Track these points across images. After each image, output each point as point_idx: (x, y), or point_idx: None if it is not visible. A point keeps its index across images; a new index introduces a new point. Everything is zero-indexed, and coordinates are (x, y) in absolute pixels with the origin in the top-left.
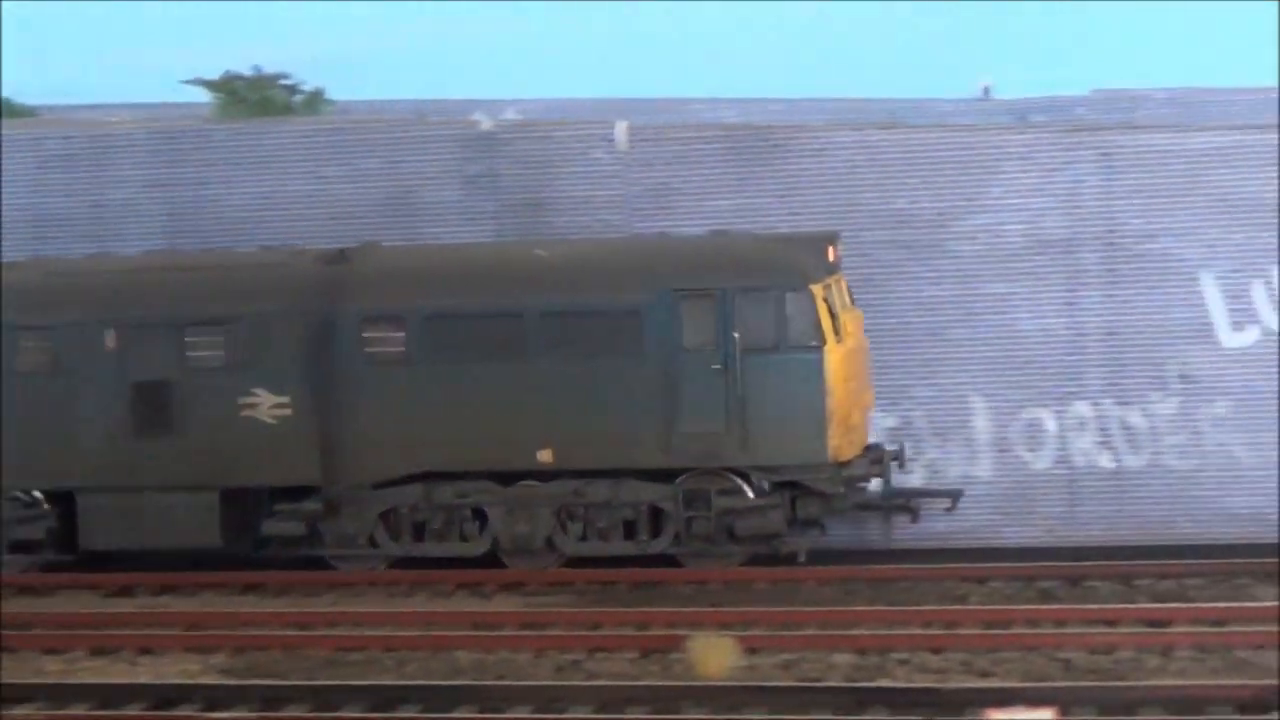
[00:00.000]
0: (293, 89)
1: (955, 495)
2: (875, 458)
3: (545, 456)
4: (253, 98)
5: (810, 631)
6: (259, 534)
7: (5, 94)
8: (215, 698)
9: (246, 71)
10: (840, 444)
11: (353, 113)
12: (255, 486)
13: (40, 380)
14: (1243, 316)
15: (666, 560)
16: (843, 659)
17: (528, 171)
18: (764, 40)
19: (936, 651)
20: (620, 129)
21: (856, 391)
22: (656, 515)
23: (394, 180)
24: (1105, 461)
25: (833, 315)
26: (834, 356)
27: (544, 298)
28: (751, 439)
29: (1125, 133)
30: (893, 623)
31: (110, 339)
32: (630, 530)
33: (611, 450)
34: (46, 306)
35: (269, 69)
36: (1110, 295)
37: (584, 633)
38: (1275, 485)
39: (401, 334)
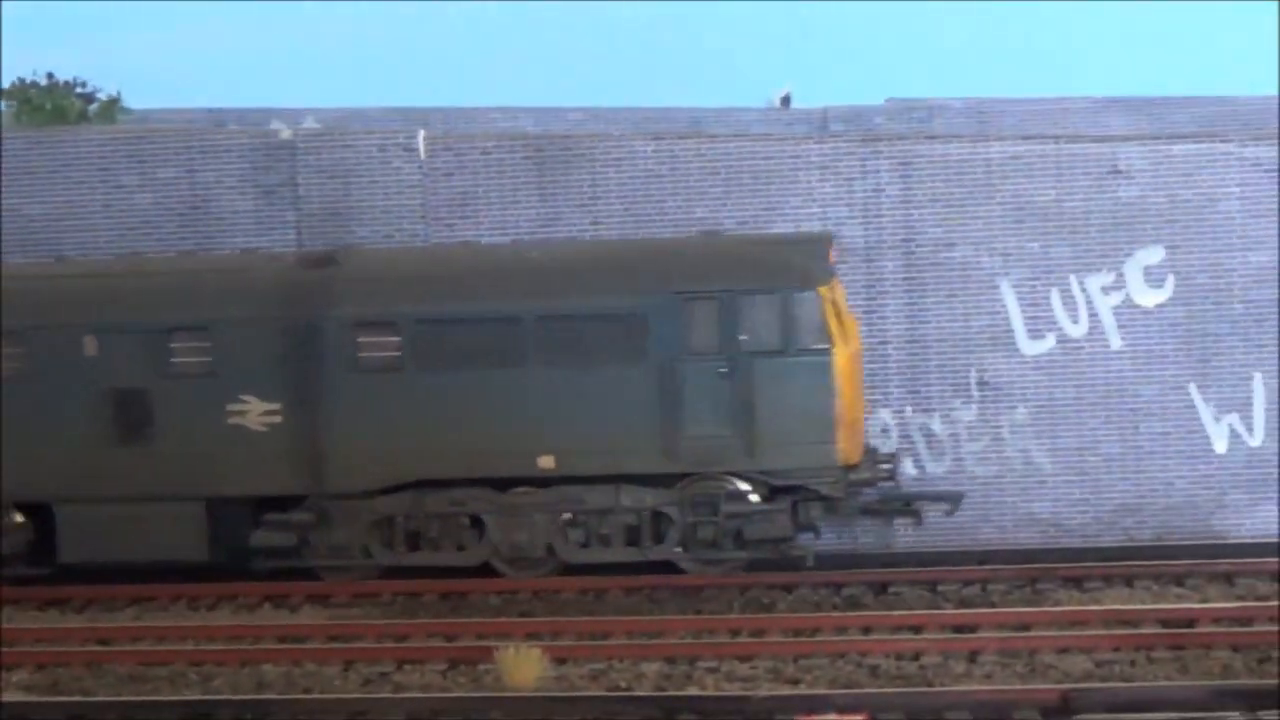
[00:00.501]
0: (88, 96)
1: (956, 499)
2: (878, 461)
3: (547, 463)
4: (47, 105)
5: (619, 641)
6: (246, 545)
7: None
8: (19, 715)
9: (40, 78)
10: (847, 447)
11: (150, 121)
12: (242, 496)
13: (15, 387)
14: (1041, 324)
15: (473, 571)
16: (652, 668)
17: (328, 181)
18: (562, 47)
19: (745, 659)
20: (421, 138)
21: (860, 394)
22: (657, 521)
23: (191, 189)
24: (908, 468)
25: (837, 317)
26: (841, 358)
27: (544, 302)
28: (758, 443)
29: (923, 142)
30: (701, 631)
31: (89, 345)
32: (630, 536)
33: (615, 456)
34: (21, 311)
35: (63, 75)
36: (910, 303)
37: (392, 645)
38: (1074, 491)
39: (396, 339)
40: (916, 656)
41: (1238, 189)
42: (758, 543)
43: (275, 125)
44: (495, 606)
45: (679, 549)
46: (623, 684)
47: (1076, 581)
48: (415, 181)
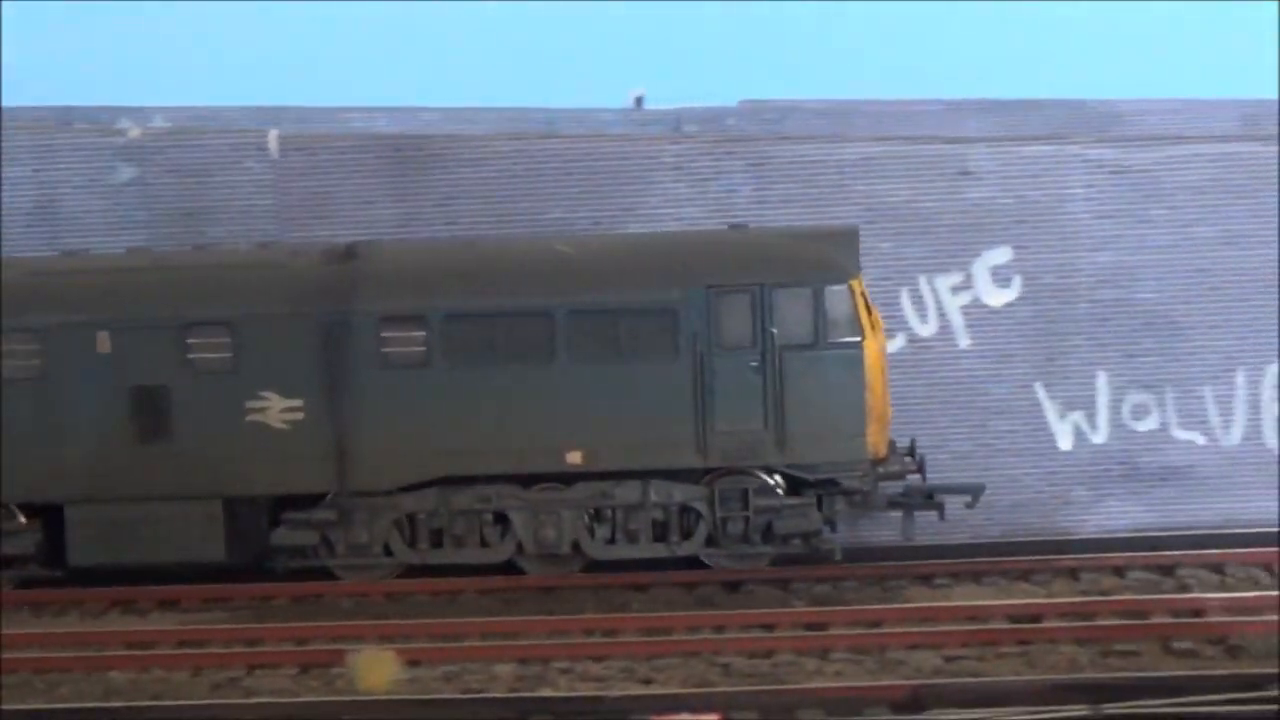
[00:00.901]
0: None
1: (977, 490)
2: (904, 454)
3: (575, 458)
4: None
5: (472, 643)
6: (266, 545)
7: None
8: None
9: None
10: (876, 440)
11: None
12: (262, 495)
13: (25, 386)
14: (891, 324)
15: (327, 573)
16: (505, 669)
17: (179, 180)
18: (419, 47)
19: (598, 659)
20: (273, 138)
21: (887, 387)
22: (684, 517)
23: (39, 189)
24: None
25: (866, 310)
26: (872, 352)
27: (575, 296)
28: (790, 437)
29: (776, 143)
30: (554, 632)
31: (103, 341)
32: (658, 532)
33: (644, 451)
34: (32, 307)
35: None
36: None
37: (242, 650)
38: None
39: (423, 334)
40: (769, 654)
41: (1083, 190)
42: (787, 537)
43: (124, 124)
44: (347, 610)
45: (707, 544)
46: (476, 686)
47: (926, 578)
48: (268, 181)
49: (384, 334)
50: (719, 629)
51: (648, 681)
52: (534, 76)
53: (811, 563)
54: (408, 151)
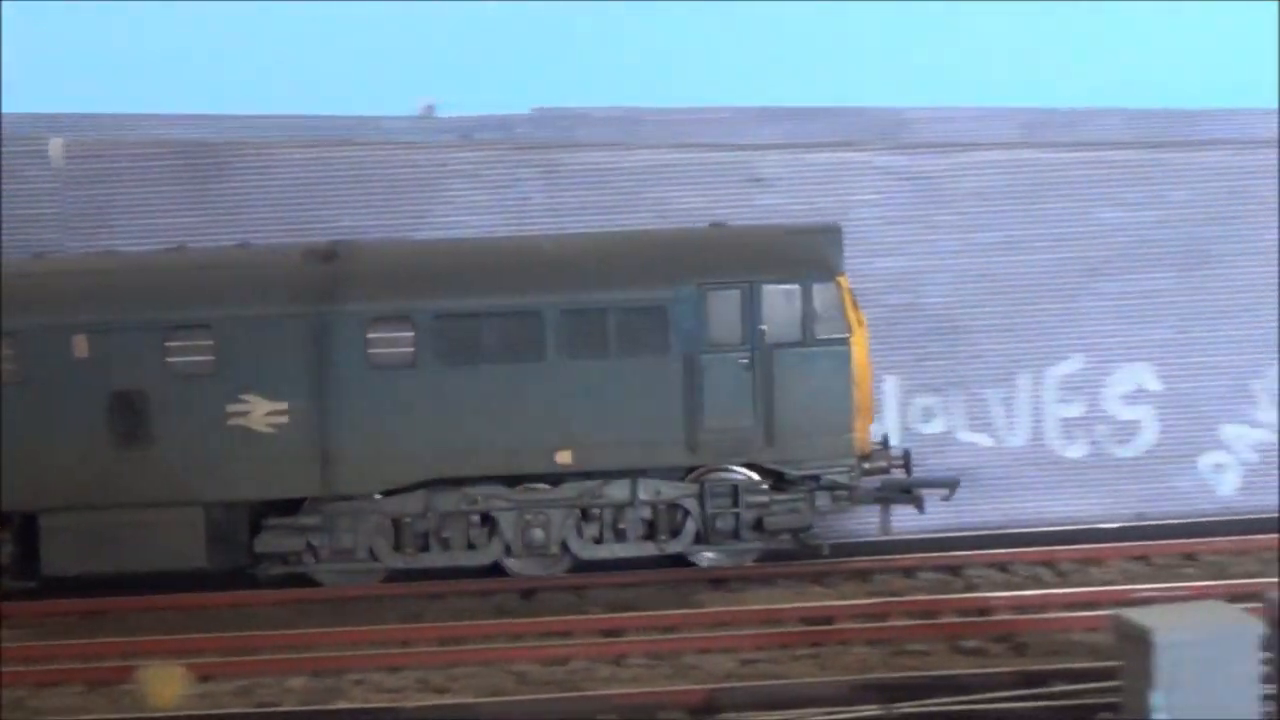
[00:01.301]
0: None
1: (953, 484)
2: (883, 449)
3: (564, 458)
4: None
5: (265, 656)
6: (250, 551)
7: None
8: None
9: None
10: (863, 436)
11: None
12: (245, 501)
13: (4, 391)
14: None
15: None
16: (299, 682)
17: None
18: (217, 54)
19: (393, 670)
20: (55, 145)
21: (871, 383)
22: (671, 514)
23: None
24: None
25: (853, 307)
26: (859, 348)
27: (564, 295)
28: (779, 434)
29: (568, 150)
30: (348, 644)
31: (80, 345)
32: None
33: (635, 450)
34: (7, 310)
35: None
36: None
37: (28, 668)
38: None
39: (410, 334)
40: (564, 662)
41: (872, 196)
42: (778, 533)
43: None
44: (137, 625)
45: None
46: (269, 700)
47: (720, 583)
48: (50, 189)
49: (371, 334)
50: (515, 637)
51: (443, 691)
52: (329, 83)
53: (799, 558)
54: (197, 159)
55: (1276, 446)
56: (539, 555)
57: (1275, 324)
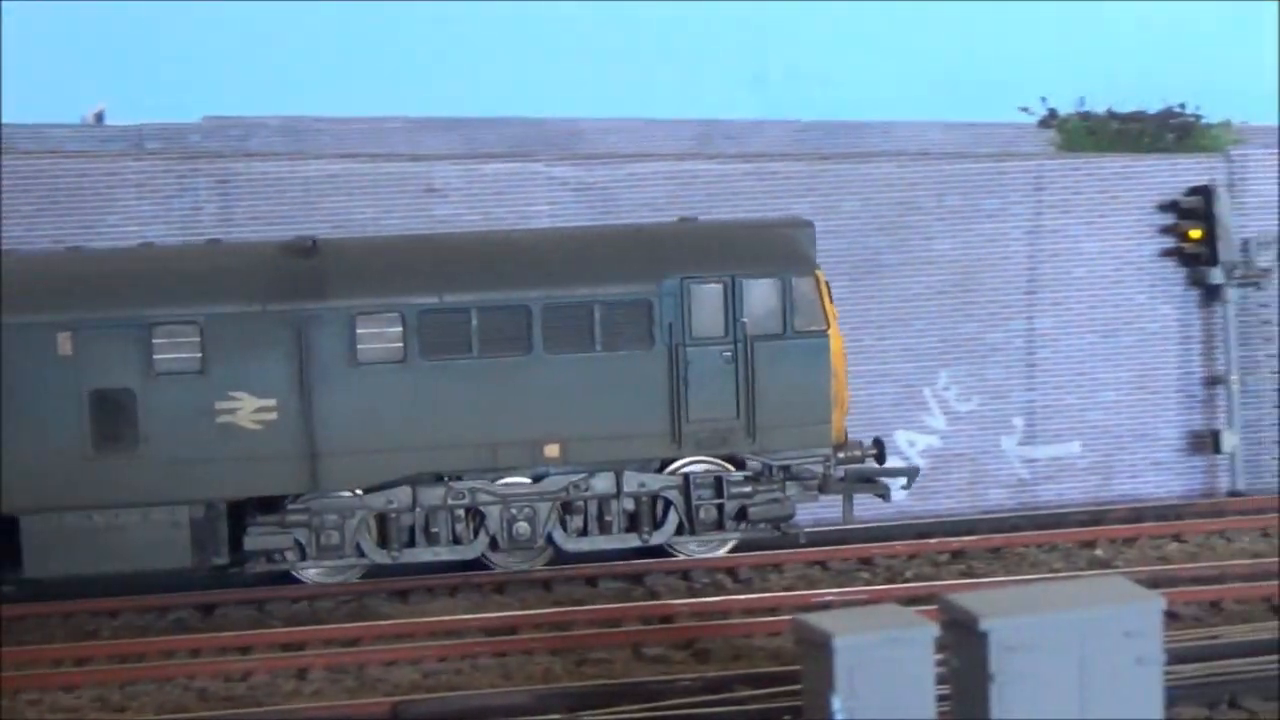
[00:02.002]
0: None
1: (913, 473)
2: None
3: (552, 452)
4: None
5: None
6: (237, 550)
7: None
8: None
9: None
10: (839, 427)
11: None
12: (232, 499)
13: None
14: None
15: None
16: None
17: None
18: None
19: (69, 690)
20: None
21: (846, 375)
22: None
23: None
24: None
25: (829, 300)
26: (836, 341)
27: (552, 289)
28: (760, 426)
29: (240, 160)
30: (22, 663)
31: (64, 343)
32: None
33: (621, 443)
34: None
35: None
36: None
37: None
38: None
39: (399, 329)
40: (245, 677)
41: (547, 206)
42: (760, 522)
43: None
44: None
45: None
46: None
47: (402, 595)
48: None
49: (359, 329)
50: (194, 653)
51: (121, 709)
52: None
53: (778, 547)
54: None
55: (945, 450)
56: (522, 549)
57: (943, 331)
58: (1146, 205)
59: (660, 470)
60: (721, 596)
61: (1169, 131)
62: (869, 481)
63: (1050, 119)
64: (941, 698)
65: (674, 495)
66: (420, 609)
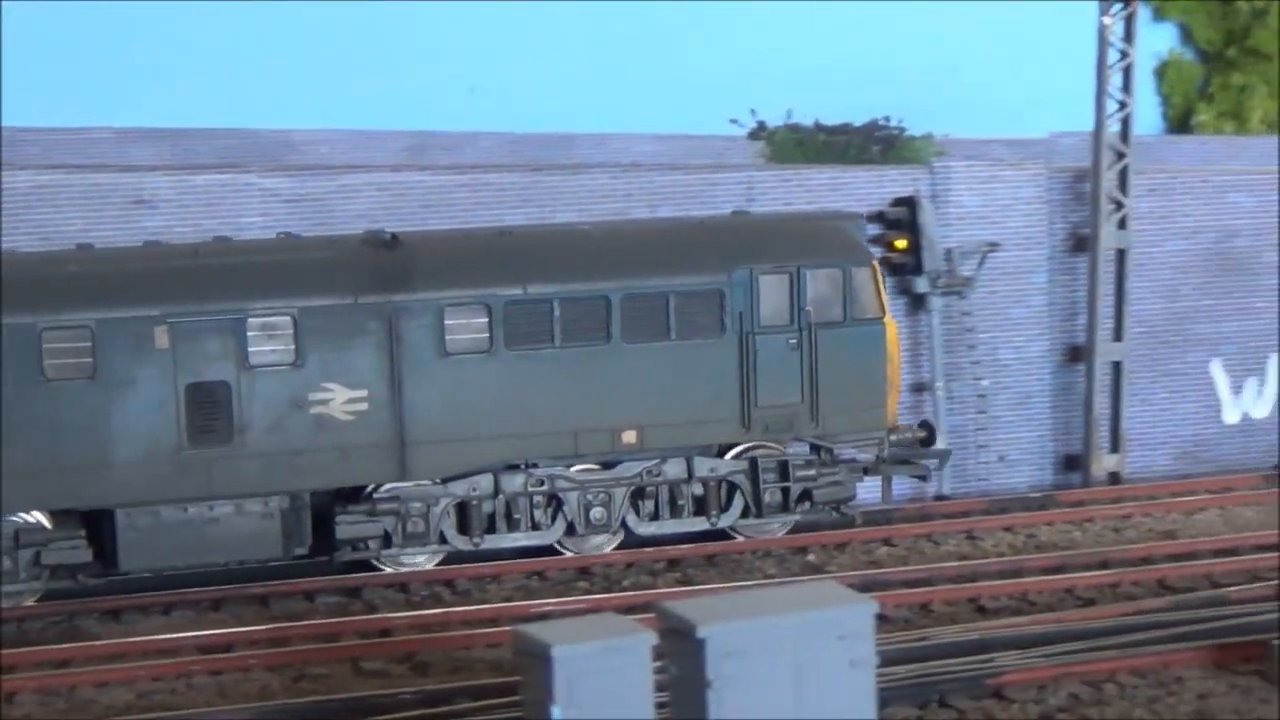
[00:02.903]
0: None
1: (946, 455)
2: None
3: (630, 439)
4: None
5: None
6: (330, 539)
7: None
8: None
9: None
10: (893, 410)
11: None
12: (324, 489)
13: (72, 386)
14: None
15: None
16: None
17: None
18: None
19: None
20: None
21: (899, 360)
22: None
23: None
24: None
25: (884, 289)
26: (891, 327)
27: (629, 280)
28: (822, 410)
29: None
30: None
31: (161, 337)
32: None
33: (693, 428)
34: (80, 302)
35: None
36: None
37: None
38: None
39: (485, 320)
40: None
41: (259, 218)
42: (824, 505)
43: None
44: None
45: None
46: None
47: (115, 614)
48: None
49: (448, 321)
50: None
51: None
52: None
53: (835, 528)
54: None
55: None
56: (596, 533)
57: None
58: None
59: (719, 456)
60: (440, 609)
61: (874, 144)
62: (908, 464)
63: (760, 131)
64: (661, 704)
65: (741, 479)
66: (132, 628)
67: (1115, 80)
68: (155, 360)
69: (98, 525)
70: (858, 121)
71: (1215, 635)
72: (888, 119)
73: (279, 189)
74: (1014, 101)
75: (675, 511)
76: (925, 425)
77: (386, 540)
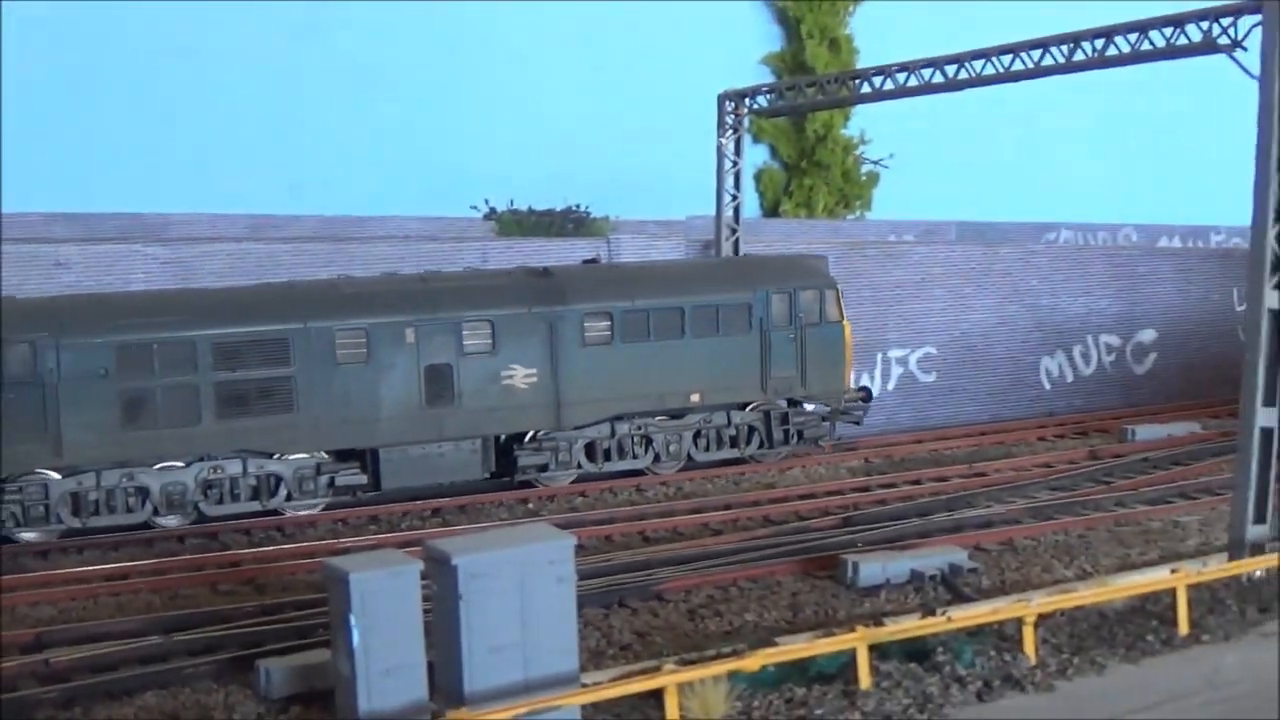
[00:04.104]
0: None
1: (867, 405)
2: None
3: (695, 398)
4: None
5: None
6: (510, 467)
7: None
8: None
9: None
10: (847, 380)
11: None
12: (508, 434)
13: (353, 368)
14: None
15: None
16: None
17: None
18: None
19: None
20: None
21: (851, 349)
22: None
23: None
24: None
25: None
26: (848, 328)
27: (696, 295)
28: (808, 379)
29: None
30: None
31: (409, 335)
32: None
33: (733, 390)
34: (359, 313)
35: None
36: None
37: None
38: None
39: (608, 323)
40: None
41: (143, 275)
42: (812, 439)
43: None
44: None
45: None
46: None
47: (44, 554)
48: None
49: (585, 324)
50: None
51: None
52: None
53: (813, 452)
54: None
55: None
56: (672, 461)
57: None
58: None
59: (743, 409)
60: (274, 547)
61: (569, 223)
62: (848, 414)
63: (491, 214)
64: (427, 612)
65: (758, 424)
66: (56, 564)
67: (729, 181)
68: (405, 351)
69: (366, 459)
70: (559, 207)
71: (802, 553)
72: (579, 205)
73: (157, 254)
74: (664, 193)
75: (720, 446)
76: (864, 389)
77: (543, 467)
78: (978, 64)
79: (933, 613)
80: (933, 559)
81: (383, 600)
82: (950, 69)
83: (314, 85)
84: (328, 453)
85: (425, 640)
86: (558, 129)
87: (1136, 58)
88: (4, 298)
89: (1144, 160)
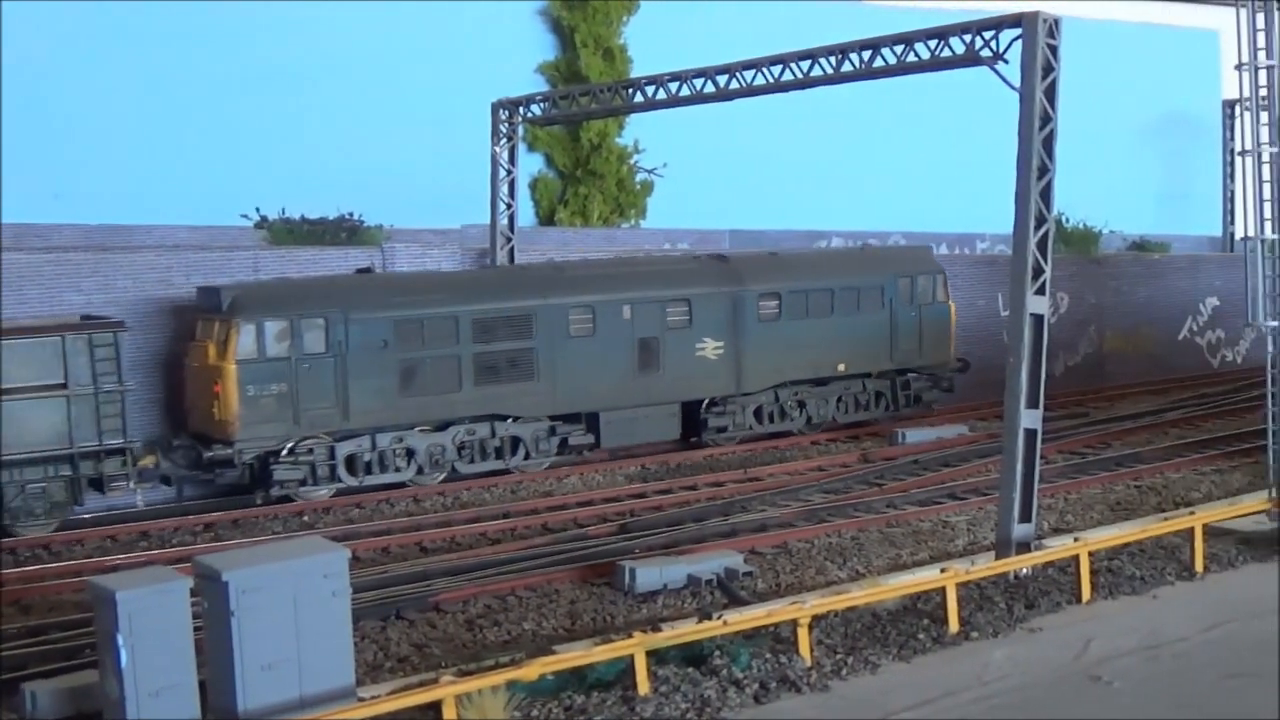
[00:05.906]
0: None
1: (965, 366)
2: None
3: (842, 367)
4: None
5: None
6: (698, 429)
7: None
8: None
9: None
10: (952, 350)
11: None
12: (700, 399)
13: (582, 340)
14: None
15: None
16: None
17: None
18: None
19: None
20: None
21: (955, 325)
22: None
23: None
24: None
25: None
26: (953, 307)
27: (843, 279)
28: (923, 351)
29: None
30: None
31: (626, 312)
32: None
33: (869, 359)
34: (587, 291)
35: None
36: None
37: None
38: None
39: (776, 302)
40: None
41: None
42: (927, 401)
43: None
44: None
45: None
46: None
47: None
48: None
49: (760, 303)
50: None
51: None
52: None
53: (926, 413)
54: None
55: None
56: (819, 422)
57: None
58: None
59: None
60: (40, 566)
61: (343, 231)
62: (949, 380)
63: (262, 222)
64: (198, 630)
65: (886, 389)
66: None
67: (504, 189)
68: (623, 325)
69: (587, 421)
70: (331, 215)
71: (580, 560)
72: (352, 214)
73: None
74: (439, 202)
75: (856, 409)
76: (963, 360)
77: (722, 429)
78: (749, 74)
79: (709, 617)
80: (709, 563)
81: (151, 619)
82: (722, 79)
83: (77, 90)
84: (549, 416)
85: (197, 659)
86: (331, 136)
87: (903, 69)
88: (270, 281)
89: (914, 170)
